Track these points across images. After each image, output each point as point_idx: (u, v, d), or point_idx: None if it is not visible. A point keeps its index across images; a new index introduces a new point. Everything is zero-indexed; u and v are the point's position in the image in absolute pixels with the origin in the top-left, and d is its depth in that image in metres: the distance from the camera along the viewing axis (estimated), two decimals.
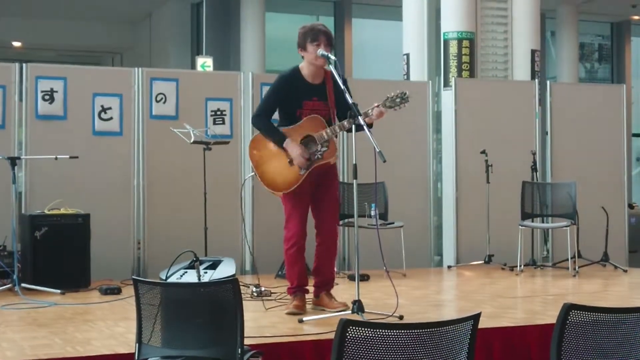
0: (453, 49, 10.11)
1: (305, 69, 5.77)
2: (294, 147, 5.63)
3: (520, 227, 8.55)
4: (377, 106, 5.53)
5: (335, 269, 7.73)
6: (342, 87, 5.47)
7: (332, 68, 5.56)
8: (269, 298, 6.38)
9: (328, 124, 5.68)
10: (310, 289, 5.95)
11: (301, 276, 5.84)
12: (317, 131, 5.64)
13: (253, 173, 5.87)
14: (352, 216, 5.61)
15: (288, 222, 5.80)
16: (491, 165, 8.98)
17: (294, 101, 5.71)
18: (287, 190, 5.70)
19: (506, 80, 10.37)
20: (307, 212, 5.83)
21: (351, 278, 7.56)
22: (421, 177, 9.40)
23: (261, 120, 5.79)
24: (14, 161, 7.00)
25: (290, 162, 5.66)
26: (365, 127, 5.34)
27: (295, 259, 5.80)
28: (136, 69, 8.33)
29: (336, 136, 5.71)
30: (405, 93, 5.61)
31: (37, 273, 7.05)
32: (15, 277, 6.85)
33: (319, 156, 5.67)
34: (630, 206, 13.40)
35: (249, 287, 6.70)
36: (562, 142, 9.74)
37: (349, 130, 5.55)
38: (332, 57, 5.57)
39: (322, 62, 5.66)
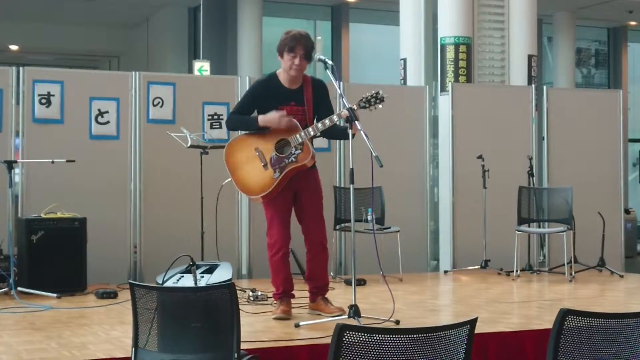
0: (450, 54, 10.12)
1: (282, 74, 5.78)
2: (269, 116, 5.59)
3: (516, 232, 8.55)
4: (349, 108, 5.41)
5: (332, 274, 7.75)
6: (339, 91, 5.47)
7: (329, 73, 5.55)
8: (265, 302, 6.38)
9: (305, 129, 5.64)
10: (304, 293, 5.94)
11: (286, 282, 5.82)
12: (292, 134, 5.62)
13: (229, 179, 5.84)
14: (349, 221, 5.60)
15: (270, 229, 5.77)
16: (488, 170, 8.98)
17: (270, 106, 5.68)
18: (261, 194, 5.65)
19: (503, 86, 10.38)
20: (288, 216, 5.79)
21: (348, 282, 7.55)
22: (418, 181, 9.41)
23: (232, 117, 5.82)
24: (10, 165, 7.00)
25: (265, 165, 5.64)
26: (362, 133, 5.32)
27: (280, 265, 5.78)
28: (133, 73, 8.33)
29: (312, 139, 5.66)
30: (379, 92, 5.56)
31: (33, 277, 7.04)
32: (11, 280, 6.84)
33: (293, 159, 5.61)
34: (627, 211, 13.45)
35: (245, 291, 6.69)
36: (559, 147, 9.75)
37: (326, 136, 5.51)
38: (330, 62, 5.56)
39: (295, 72, 5.67)
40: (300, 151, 5.60)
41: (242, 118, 5.76)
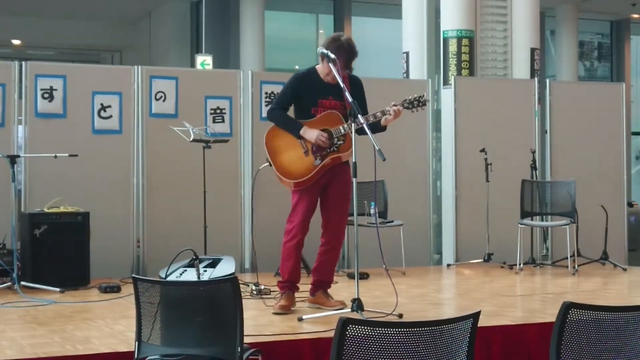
0: (453, 47, 10.11)
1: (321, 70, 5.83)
2: (311, 132, 5.67)
3: (519, 225, 8.55)
4: (395, 105, 5.56)
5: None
6: (342, 84, 5.48)
7: (331, 66, 5.56)
8: (269, 296, 6.38)
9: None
10: (307, 286, 5.95)
11: (293, 271, 5.83)
12: (334, 126, 5.68)
13: (268, 162, 5.88)
14: (352, 214, 5.59)
15: (291, 215, 5.81)
16: (491, 164, 8.98)
17: (309, 99, 5.78)
18: (299, 179, 5.70)
19: (506, 79, 10.37)
20: (313, 208, 5.82)
21: (351, 276, 7.56)
22: (421, 175, 9.40)
23: (275, 112, 5.85)
24: (13, 159, 7.00)
25: (306, 152, 5.69)
26: (365, 127, 5.37)
27: (291, 253, 5.80)
28: (136, 67, 8.33)
29: (352, 132, 5.70)
30: (423, 96, 5.72)
31: (36, 271, 7.05)
32: (14, 275, 6.85)
33: (335, 148, 5.69)
34: (630, 204, 13.40)
35: (248, 285, 6.70)
36: (562, 140, 9.74)
37: (359, 132, 5.55)
38: (332, 56, 5.56)
39: (329, 80, 5.73)
40: (342, 142, 5.69)
41: (286, 118, 5.82)
